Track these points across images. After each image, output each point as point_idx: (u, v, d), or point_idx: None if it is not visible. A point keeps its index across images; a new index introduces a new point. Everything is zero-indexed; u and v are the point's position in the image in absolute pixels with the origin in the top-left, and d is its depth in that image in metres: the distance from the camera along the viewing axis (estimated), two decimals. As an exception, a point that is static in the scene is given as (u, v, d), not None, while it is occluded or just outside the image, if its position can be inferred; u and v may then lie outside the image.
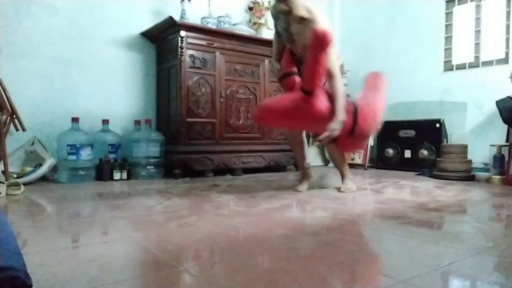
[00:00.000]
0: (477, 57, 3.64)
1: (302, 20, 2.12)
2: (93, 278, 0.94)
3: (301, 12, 2.09)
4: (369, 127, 2.21)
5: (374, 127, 2.24)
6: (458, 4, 3.79)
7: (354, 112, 2.15)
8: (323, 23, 2.10)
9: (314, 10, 2.12)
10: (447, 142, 3.64)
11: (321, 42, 1.92)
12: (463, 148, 3.20)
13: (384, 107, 2.33)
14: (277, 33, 2.41)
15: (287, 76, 2.30)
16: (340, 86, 2.13)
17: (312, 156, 4.28)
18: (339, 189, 2.43)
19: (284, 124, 2.38)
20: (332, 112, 2.08)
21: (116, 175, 2.97)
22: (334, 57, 2.15)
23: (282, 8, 2.11)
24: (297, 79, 2.26)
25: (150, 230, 1.48)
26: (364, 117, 2.16)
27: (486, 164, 3.32)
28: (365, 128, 2.20)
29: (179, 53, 3.07)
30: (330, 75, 2.12)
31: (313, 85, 2.04)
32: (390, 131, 3.84)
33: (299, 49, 2.27)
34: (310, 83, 2.04)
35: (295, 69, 2.31)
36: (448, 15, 3.87)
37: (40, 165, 2.78)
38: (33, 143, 2.84)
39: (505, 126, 3.11)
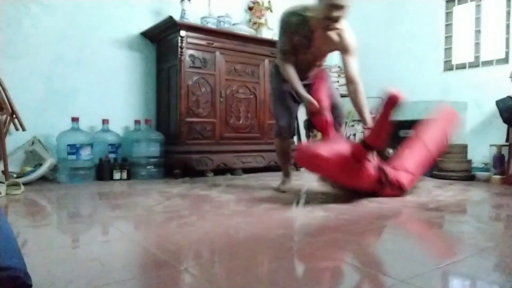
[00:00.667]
0: (477, 57, 3.64)
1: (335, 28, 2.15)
2: (93, 278, 0.94)
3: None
4: (390, 194, 2.20)
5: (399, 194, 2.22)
6: (458, 4, 3.79)
7: (381, 179, 2.13)
8: (350, 31, 2.21)
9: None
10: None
11: (393, 101, 1.95)
12: (463, 148, 3.20)
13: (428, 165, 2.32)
14: (286, 51, 2.25)
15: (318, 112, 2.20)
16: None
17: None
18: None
19: (327, 174, 2.28)
20: (377, 182, 2.12)
21: (116, 175, 2.97)
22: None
23: (338, 15, 2.03)
24: (330, 118, 2.20)
25: (150, 230, 1.48)
26: (386, 186, 2.15)
27: (486, 164, 3.32)
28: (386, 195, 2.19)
29: (179, 53, 3.07)
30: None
31: (379, 141, 2.03)
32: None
33: (311, 56, 2.28)
34: (376, 138, 2.03)
35: (327, 103, 2.22)
36: (448, 15, 3.87)
37: (40, 165, 2.77)
38: (33, 143, 2.84)
39: (505, 126, 3.10)
